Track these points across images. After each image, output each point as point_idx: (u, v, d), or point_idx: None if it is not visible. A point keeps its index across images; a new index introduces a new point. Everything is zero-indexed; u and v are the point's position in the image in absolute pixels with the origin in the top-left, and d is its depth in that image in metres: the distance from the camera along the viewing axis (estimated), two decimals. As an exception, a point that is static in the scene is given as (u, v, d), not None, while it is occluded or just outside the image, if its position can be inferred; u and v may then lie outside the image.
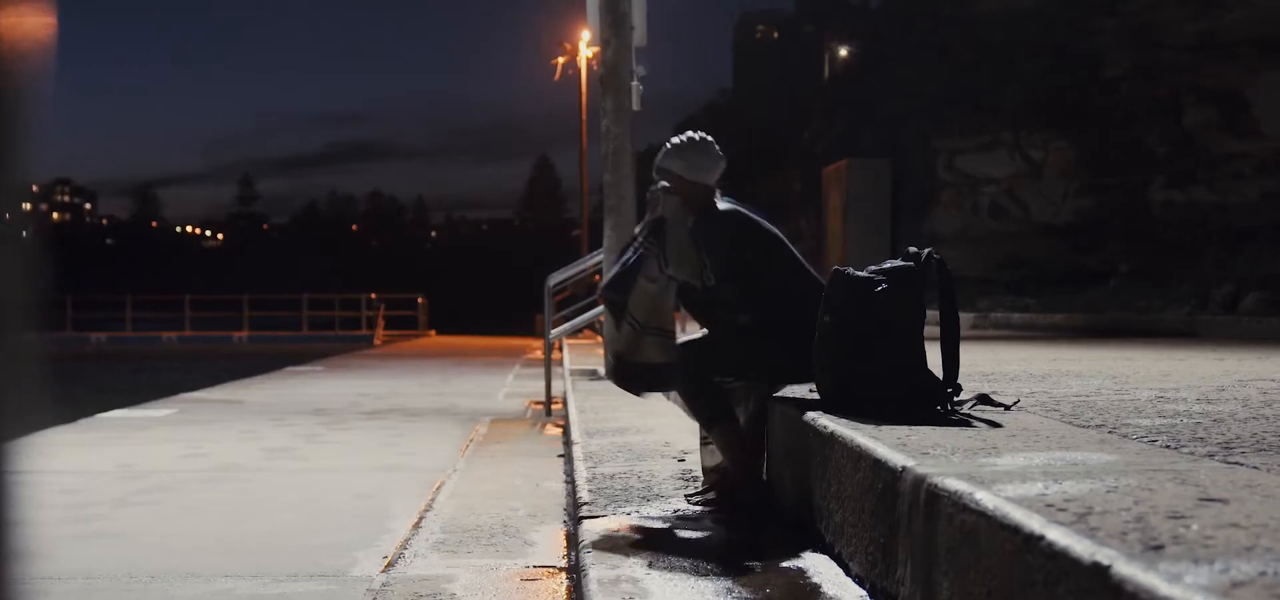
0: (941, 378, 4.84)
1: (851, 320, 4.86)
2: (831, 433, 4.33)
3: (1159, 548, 2.26)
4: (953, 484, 3.05)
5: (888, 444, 3.79)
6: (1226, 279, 16.39)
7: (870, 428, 4.19)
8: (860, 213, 24.49)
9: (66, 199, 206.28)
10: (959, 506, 2.95)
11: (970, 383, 6.37)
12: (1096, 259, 20.67)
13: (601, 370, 13.95)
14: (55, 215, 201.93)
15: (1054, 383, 6.42)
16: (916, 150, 24.85)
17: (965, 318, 17.62)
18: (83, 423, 12.69)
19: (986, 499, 2.83)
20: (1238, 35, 17.95)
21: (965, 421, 4.49)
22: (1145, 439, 3.99)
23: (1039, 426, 4.36)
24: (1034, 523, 2.55)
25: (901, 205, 25.06)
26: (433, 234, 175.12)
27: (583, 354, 17.41)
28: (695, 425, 8.30)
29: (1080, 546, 2.33)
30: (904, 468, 3.43)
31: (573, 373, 14.45)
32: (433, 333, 45.47)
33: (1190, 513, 2.60)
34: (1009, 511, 2.69)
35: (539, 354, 19.62)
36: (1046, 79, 21.42)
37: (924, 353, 4.86)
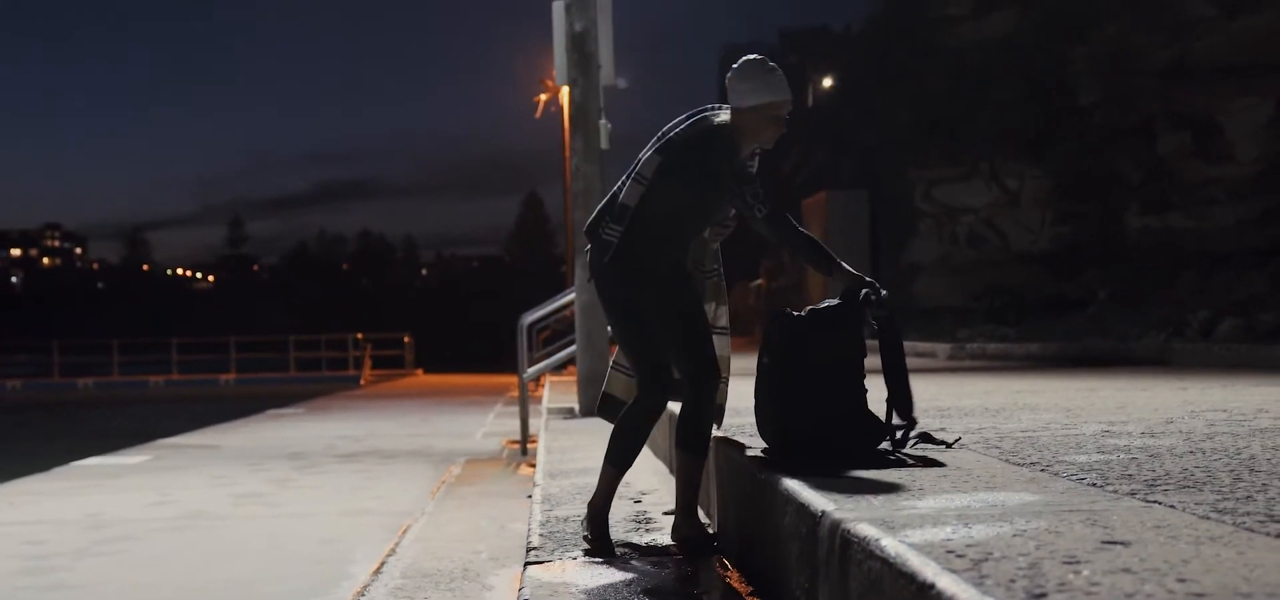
0: (884, 417, 4.86)
1: (789, 362, 4.87)
2: (764, 477, 4.34)
3: (1041, 596, 2.27)
4: (863, 529, 3.07)
5: (813, 488, 3.80)
6: (1202, 304, 16.41)
7: (804, 470, 4.20)
8: (839, 244, 24.47)
9: (56, 244, 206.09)
10: (867, 552, 2.96)
11: (925, 419, 6.39)
12: (1075, 286, 20.70)
13: (578, 408, 13.95)
14: (45, 260, 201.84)
15: (1007, 417, 6.44)
16: (894, 181, 24.92)
17: (942, 348, 17.65)
18: (56, 471, 12.68)
19: (890, 545, 2.84)
20: (1208, 62, 18.03)
21: (902, 462, 4.51)
22: (1076, 477, 4.00)
23: (974, 465, 4.38)
24: (928, 570, 2.57)
25: (881, 236, 25.13)
26: (423, 271, 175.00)
27: (562, 392, 17.40)
28: (661, 467, 8.31)
29: (965, 595, 2.34)
30: (823, 512, 3.44)
31: (549, 411, 14.44)
32: (420, 371, 45.42)
33: (1087, 557, 2.61)
34: (907, 558, 2.70)
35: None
36: (1020, 108, 21.49)
37: (863, 393, 4.87)
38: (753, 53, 5.46)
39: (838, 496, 3.63)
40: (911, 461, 4.51)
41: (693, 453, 5.30)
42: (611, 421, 5.83)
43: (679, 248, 5.18)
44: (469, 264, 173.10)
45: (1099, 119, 20.14)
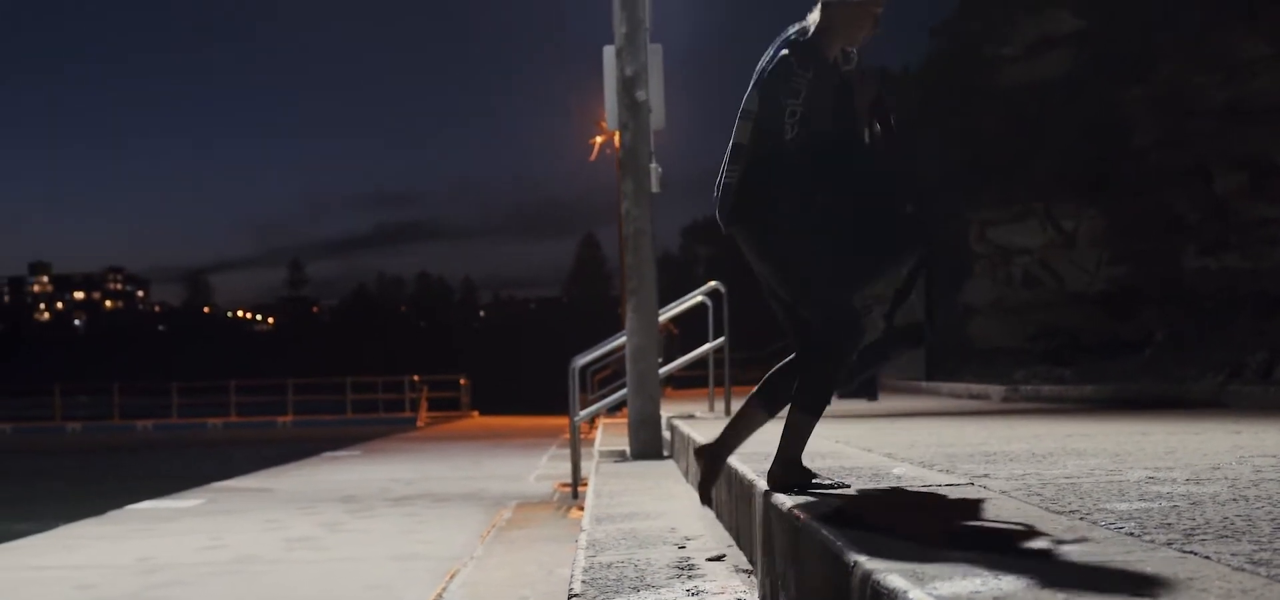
0: None
1: None
2: (803, 524, 4.33)
3: (1063, 651, 2.27)
4: (893, 581, 3.06)
5: (847, 537, 3.79)
6: (1260, 346, 16.23)
7: (840, 518, 4.19)
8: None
9: (120, 287, 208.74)
10: (894, 605, 2.95)
11: (970, 464, 6.36)
12: (1131, 328, 20.53)
13: (629, 452, 13.94)
14: (108, 303, 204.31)
15: (1052, 463, 6.39)
16: (949, 222, 24.82)
17: (996, 391, 17.53)
18: (111, 515, 12.79)
19: (917, 598, 2.83)
20: (1265, 101, 17.85)
21: (943, 509, 4.49)
22: (1113, 526, 3.97)
23: (1013, 513, 4.35)
24: (951, 624, 2.56)
25: (935, 277, 24.99)
26: (481, 313, 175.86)
27: (615, 434, 17.38)
28: (706, 511, 8.29)
29: (986, 650, 2.33)
30: (856, 562, 3.44)
31: (602, 454, 14.45)
32: (475, 413, 45.54)
33: (1114, 610, 2.60)
34: (932, 612, 2.69)
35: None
36: (1076, 148, 21.36)
37: None
38: None
39: (871, 545, 3.62)
40: (954, 509, 4.49)
41: (809, 412, 5.16)
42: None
43: (807, 181, 4.98)
44: (527, 305, 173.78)
45: (1155, 159, 19.99)
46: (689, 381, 25.55)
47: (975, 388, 18.66)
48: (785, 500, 4.87)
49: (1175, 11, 19.57)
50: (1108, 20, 21.33)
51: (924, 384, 21.33)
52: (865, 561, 3.38)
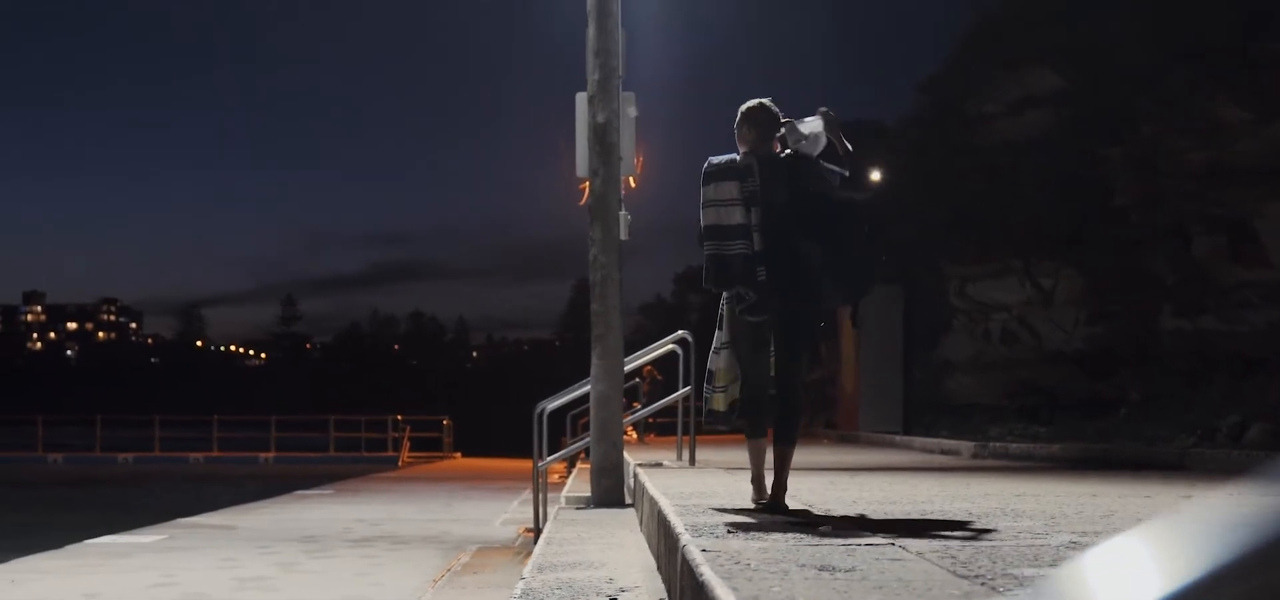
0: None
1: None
2: (702, 580, 4.30)
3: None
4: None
5: (740, 596, 3.75)
6: (1234, 409, 16.18)
7: (745, 572, 4.15)
8: (873, 338, 24.44)
9: (113, 318, 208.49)
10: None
11: (889, 529, 6.32)
12: (1108, 387, 20.48)
13: (592, 498, 13.83)
14: (100, 335, 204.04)
15: (985, 523, 6.34)
16: (928, 277, 24.81)
17: (966, 447, 17.48)
18: (68, 548, 12.73)
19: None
20: (1245, 164, 17.82)
21: (849, 570, 4.45)
22: (1008, 593, 3.94)
23: (915, 576, 4.32)
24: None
25: (914, 331, 24.98)
26: (474, 353, 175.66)
27: (585, 480, 17.29)
28: (650, 562, 8.24)
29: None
30: (735, 623, 3.41)
31: (567, 499, 14.35)
32: (458, 455, 45.39)
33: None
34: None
35: (554, 477, 19.58)
36: (1055, 207, 21.33)
37: None
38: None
39: (756, 606, 3.58)
40: (859, 567, 4.45)
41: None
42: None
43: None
44: (520, 347, 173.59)
45: (1134, 219, 19.95)
46: (671, 427, 25.51)
47: (947, 443, 18.61)
48: (695, 554, 4.84)
49: (1157, 73, 19.57)
50: (1090, 80, 21.33)
51: (898, 438, 21.30)
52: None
